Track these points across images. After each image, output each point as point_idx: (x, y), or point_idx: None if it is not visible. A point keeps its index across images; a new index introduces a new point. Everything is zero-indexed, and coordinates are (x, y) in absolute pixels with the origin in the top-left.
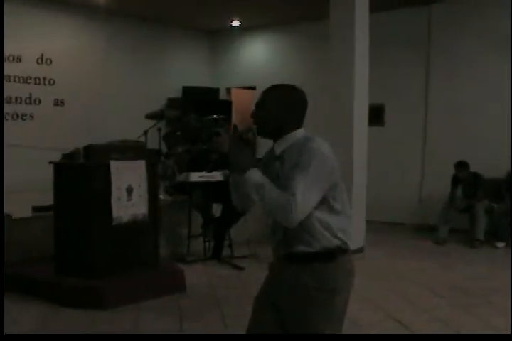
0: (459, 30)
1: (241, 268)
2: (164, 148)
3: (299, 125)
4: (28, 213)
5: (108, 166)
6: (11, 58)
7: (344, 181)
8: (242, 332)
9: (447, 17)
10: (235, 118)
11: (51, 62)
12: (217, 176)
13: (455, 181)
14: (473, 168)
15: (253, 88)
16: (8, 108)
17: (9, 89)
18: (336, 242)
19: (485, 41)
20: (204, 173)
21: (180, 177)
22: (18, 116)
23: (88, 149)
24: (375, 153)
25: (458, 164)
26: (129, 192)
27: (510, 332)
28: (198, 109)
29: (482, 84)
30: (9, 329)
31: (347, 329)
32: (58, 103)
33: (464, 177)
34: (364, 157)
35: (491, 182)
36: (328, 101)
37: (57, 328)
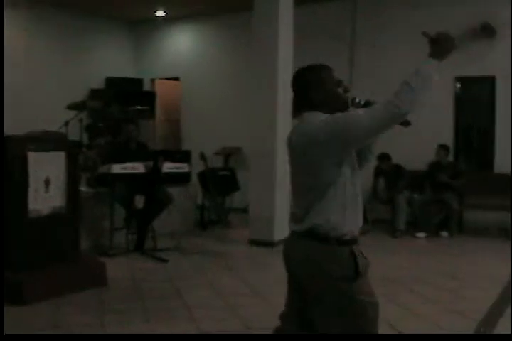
0: (382, 22)
1: (164, 261)
2: (86, 140)
3: None
4: None
5: (26, 157)
6: None
7: (267, 173)
8: (164, 326)
9: (371, 9)
10: (159, 109)
11: None
12: (139, 168)
13: (378, 173)
14: (395, 159)
15: (177, 79)
16: None
17: None
18: None
19: (407, 32)
20: (126, 165)
21: (102, 169)
22: None
23: (5, 140)
24: None
25: (380, 156)
26: (46, 184)
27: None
28: (121, 100)
29: (404, 75)
30: None
31: (271, 317)
32: None
33: (387, 169)
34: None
35: (413, 174)
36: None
37: None
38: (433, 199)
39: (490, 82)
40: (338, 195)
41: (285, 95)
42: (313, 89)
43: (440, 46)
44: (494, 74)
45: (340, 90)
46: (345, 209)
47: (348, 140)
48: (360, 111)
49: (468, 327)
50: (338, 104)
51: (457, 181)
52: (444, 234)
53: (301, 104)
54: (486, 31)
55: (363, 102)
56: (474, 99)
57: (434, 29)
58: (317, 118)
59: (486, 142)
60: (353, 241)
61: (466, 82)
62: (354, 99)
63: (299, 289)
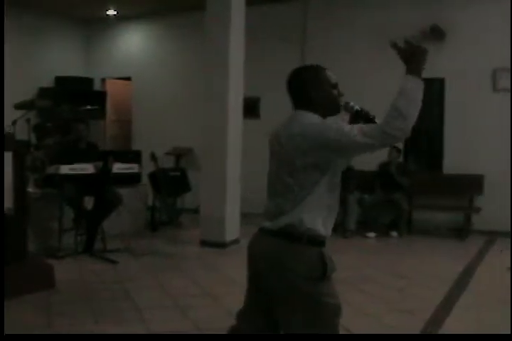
0: (333, 23)
1: (114, 262)
2: (34, 140)
3: None
4: None
5: None
6: None
7: (218, 173)
8: (114, 327)
9: (323, 10)
10: (109, 109)
11: None
12: (88, 168)
13: None
14: None
15: (128, 79)
16: None
17: None
18: None
19: (358, 33)
20: (75, 165)
21: (50, 170)
22: None
23: None
24: (251, 145)
25: None
26: None
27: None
28: (71, 100)
29: (357, 76)
30: None
31: (221, 318)
32: None
33: None
34: (238, 149)
35: (363, 175)
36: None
37: None
38: (383, 200)
39: (439, 83)
40: (315, 197)
41: (236, 96)
42: (309, 88)
43: (416, 62)
44: (443, 76)
45: (335, 92)
46: (321, 211)
47: (335, 150)
48: (356, 127)
49: (416, 326)
50: (332, 106)
51: (405, 179)
52: (394, 234)
53: (296, 103)
54: (436, 33)
55: (356, 108)
56: (424, 100)
57: (384, 30)
58: (309, 120)
59: (435, 143)
60: (323, 243)
61: None
62: (348, 103)
63: (265, 288)
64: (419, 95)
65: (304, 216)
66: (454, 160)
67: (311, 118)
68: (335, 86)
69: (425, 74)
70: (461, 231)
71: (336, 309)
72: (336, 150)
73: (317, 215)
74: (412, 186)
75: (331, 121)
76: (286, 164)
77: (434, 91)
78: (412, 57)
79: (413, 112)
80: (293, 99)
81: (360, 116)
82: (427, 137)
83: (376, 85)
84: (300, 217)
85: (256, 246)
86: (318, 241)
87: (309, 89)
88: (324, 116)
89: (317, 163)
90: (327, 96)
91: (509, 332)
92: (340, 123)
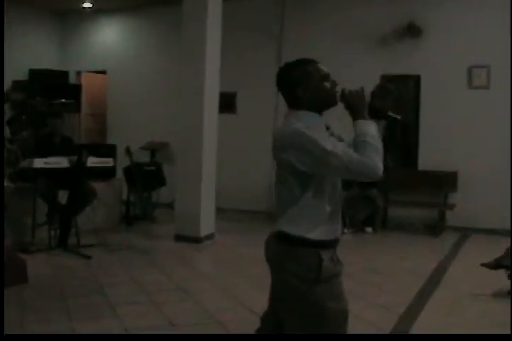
0: (310, 17)
1: (88, 257)
2: (8, 133)
3: None
4: None
5: None
6: None
7: (194, 168)
8: (87, 323)
9: (300, 4)
10: (84, 103)
11: None
12: (62, 162)
13: None
14: None
15: (104, 72)
16: None
17: None
18: None
19: (335, 27)
20: (49, 159)
21: (24, 164)
22: None
23: None
24: (227, 140)
25: None
26: None
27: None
28: (45, 93)
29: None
30: None
31: (196, 314)
32: None
33: None
34: (214, 144)
35: None
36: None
37: None
38: (359, 196)
39: (415, 80)
40: (312, 198)
41: (213, 90)
42: (298, 86)
43: (355, 108)
44: (419, 73)
45: (327, 85)
46: (319, 212)
47: (317, 168)
48: (340, 147)
49: (391, 321)
50: (326, 99)
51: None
52: (369, 230)
53: (288, 102)
54: (412, 31)
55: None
56: (400, 97)
57: (361, 26)
58: (297, 122)
59: (410, 140)
60: (323, 245)
61: (392, 81)
62: (344, 89)
63: (272, 289)
64: (376, 133)
65: (297, 219)
66: (429, 157)
67: (303, 118)
68: (326, 77)
69: (401, 70)
70: (435, 228)
71: (338, 314)
72: (311, 161)
73: (312, 215)
74: (387, 182)
75: (314, 133)
76: (278, 166)
77: (410, 88)
78: (350, 105)
79: (378, 147)
80: (285, 98)
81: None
82: (402, 134)
83: (351, 78)
84: (294, 219)
85: (265, 248)
86: (315, 243)
87: (296, 88)
88: (320, 111)
89: (300, 169)
90: (318, 90)
91: (509, 332)
92: (322, 139)
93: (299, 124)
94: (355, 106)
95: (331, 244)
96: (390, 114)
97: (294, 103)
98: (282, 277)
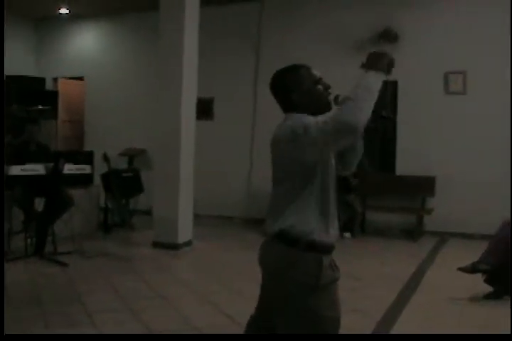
0: (288, 23)
1: (65, 265)
2: None
3: None
4: None
5: None
6: None
7: (171, 174)
8: (63, 331)
9: (278, 10)
10: (61, 109)
11: None
12: (39, 169)
13: None
14: None
15: (81, 78)
16: None
17: None
18: None
19: (313, 33)
20: (26, 166)
21: None
22: None
23: None
24: (204, 147)
25: None
26: None
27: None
28: (22, 100)
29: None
30: None
31: (174, 320)
32: None
33: None
34: (191, 150)
35: None
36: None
37: None
38: (338, 201)
39: (392, 86)
40: (309, 199)
41: (190, 96)
42: (293, 91)
43: (367, 60)
44: (396, 78)
45: (320, 88)
46: (317, 215)
47: (301, 148)
48: (313, 120)
49: (369, 326)
50: (319, 104)
51: (354, 179)
52: (347, 235)
53: (283, 107)
54: (388, 36)
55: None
56: (376, 102)
57: (339, 31)
58: (291, 120)
59: (387, 145)
60: (324, 249)
61: None
62: (338, 96)
63: (265, 296)
64: (376, 86)
65: (294, 220)
66: (407, 162)
67: (298, 117)
68: (318, 81)
69: None
70: (413, 232)
71: (335, 322)
72: (301, 148)
73: (309, 219)
74: (364, 187)
75: (300, 121)
76: (275, 167)
77: (387, 93)
78: (374, 58)
79: (367, 101)
80: (279, 102)
81: None
82: (379, 138)
83: (330, 84)
84: (290, 221)
85: (261, 251)
86: (314, 246)
87: (291, 93)
88: (315, 114)
89: (297, 166)
90: (311, 94)
91: (509, 332)
92: (306, 123)
93: (296, 117)
94: (368, 59)
95: (331, 249)
96: (384, 114)
97: (290, 108)
98: (280, 282)
